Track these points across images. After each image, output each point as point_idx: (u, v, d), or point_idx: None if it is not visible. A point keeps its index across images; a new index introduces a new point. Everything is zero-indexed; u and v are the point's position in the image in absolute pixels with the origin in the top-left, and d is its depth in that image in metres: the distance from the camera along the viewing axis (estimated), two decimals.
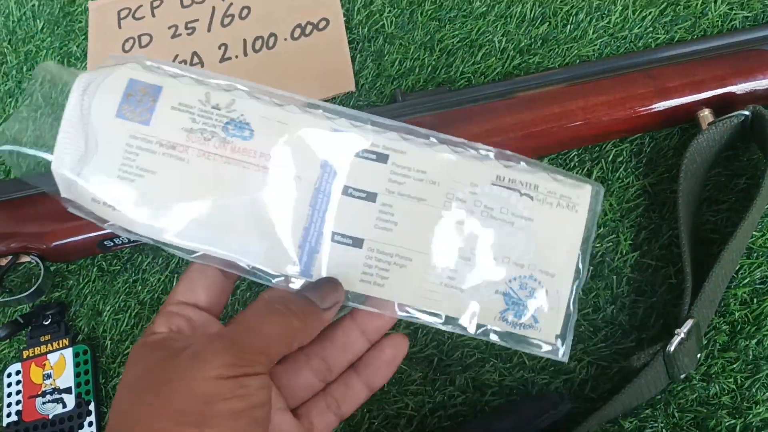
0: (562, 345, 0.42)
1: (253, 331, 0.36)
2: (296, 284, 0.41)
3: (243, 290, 0.60)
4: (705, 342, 0.50)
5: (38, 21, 0.80)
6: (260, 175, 0.41)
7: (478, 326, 0.42)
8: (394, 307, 0.42)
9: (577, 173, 0.58)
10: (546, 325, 0.42)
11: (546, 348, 0.43)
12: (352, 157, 0.42)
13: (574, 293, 0.43)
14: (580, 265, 0.43)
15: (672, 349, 0.46)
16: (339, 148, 0.42)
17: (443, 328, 0.43)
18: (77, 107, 0.41)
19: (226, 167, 0.41)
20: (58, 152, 0.41)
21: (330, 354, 0.43)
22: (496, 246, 0.43)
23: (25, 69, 0.77)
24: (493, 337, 0.43)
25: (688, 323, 0.47)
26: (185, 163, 0.41)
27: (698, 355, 0.49)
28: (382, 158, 0.42)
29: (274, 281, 0.42)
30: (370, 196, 0.42)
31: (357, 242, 0.42)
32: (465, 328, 0.42)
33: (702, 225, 0.54)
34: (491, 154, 0.43)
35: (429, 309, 0.42)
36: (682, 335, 0.46)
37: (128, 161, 0.41)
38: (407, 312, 0.43)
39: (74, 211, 0.42)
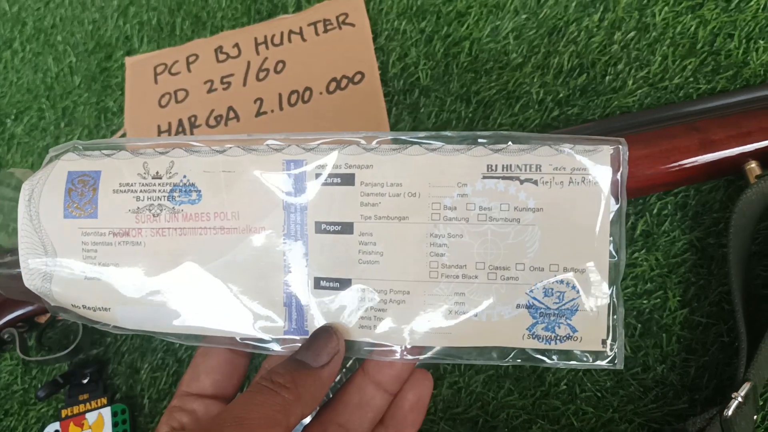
0: (612, 350, 0.35)
1: (238, 421, 0.31)
2: (297, 345, 0.37)
3: None
4: (762, 403, 0.49)
5: (75, 77, 0.81)
6: (221, 237, 0.37)
7: (505, 352, 0.36)
8: (404, 354, 0.37)
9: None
10: (587, 332, 0.35)
11: (593, 359, 0.36)
12: (315, 187, 0.37)
13: (615, 287, 0.35)
14: (615, 251, 0.35)
15: (729, 413, 0.45)
16: (297, 182, 0.37)
17: (462, 362, 0.37)
18: (27, 217, 0.38)
19: (182, 239, 0.37)
20: (24, 268, 0.39)
21: (347, 418, 0.38)
22: (503, 253, 0.36)
23: (62, 125, 0.78)
24: (526, 359, 0.36)
25: (746, 386, 0.45)
26: (142, 247, 0.38)
27: (755, 417, 0.48)
28: (347, 180, 0.36)
29: (270, 348, 0.38)
30: (346, 227, 0.37)
31: (344, 283, 0.37)
32: (491, 357, 0.36)
33: (753, 280, 0.53)
34: (478, 142, 0.36)
35: (442, 344, 0.37)
36: (740, 399, 0.45)
37: (89, 260, 0.38)
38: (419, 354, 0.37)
39: (66, 317, 0.40)
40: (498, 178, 0.35)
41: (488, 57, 0.67)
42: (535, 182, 0.35)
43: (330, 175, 0.36)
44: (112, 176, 0.38)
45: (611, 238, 0.35)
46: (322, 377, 0.34)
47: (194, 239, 0.37)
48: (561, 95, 0.63)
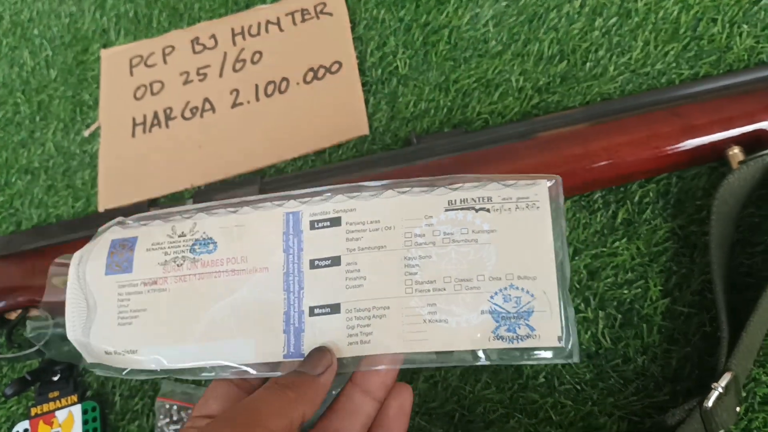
0: (568, 345, 0.39)
1: (248, 409, 0.37)
2: (293, 367, 0.41)
3: None
4: (744, 395, 0.47)
5: (52, 70, 0.80)
6: (232, 278, 0.43)
7: (475, 353, 0.40)
8: (387, 359, 0.41)
9: (601, 215, 0.55)
10: (544, 330, 0.40)
11: (551, 354, 0.40)
12: (309, 232, 0.44)
13: (563, 290, 0.40)
14: (560, 260, 0.41)
15: (710, 404, 0.43)
16: (295, 229, 0.44)
17: (439, 365, 0.42)
18: (75, 278, 0.45)
19: (200, 282, 0.43)
20: (69, 320, 0.45)
21: (340, 425, 0.41)
22: (466, 267, 0.41)
23: (38, 119, 0.77)
24: (495, 359, 0.40)
25: (726, 377, 0.44)
26: (167, 293, 0.44)
27: (737, 409, 0.46)
28: (335, 222, 0.44)
29: (270, 373, 0.42)
30: (335, 261, 0.43)
31: (335, 308, 0.42)
32: (462, 359, 0.41)
33: (736, 269, 0.51)
34: (438, 183, 0.44)
35: (419, 350, 0.41)
36: (720, 390, 0.43)
37: (123, 308, 0.44)
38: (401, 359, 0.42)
39: (101, 373, 0.45)
40: (457, 209, 0.42)
41: (467, 45, 0.66)
42: (488, 210, 0.42)
43: (321, 221, 0.44)
44: (146, 239, 0.45)
45: (555, 250, 0.41)
46: (318, 382, 0.39)
47: (210, 281, 0.43)
48: (541, 82, 0.62)
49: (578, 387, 0.51)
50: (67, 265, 0.45)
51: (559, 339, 0.39)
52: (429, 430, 0.52)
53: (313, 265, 0.43)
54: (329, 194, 0.45)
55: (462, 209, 0.42)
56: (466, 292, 0.41)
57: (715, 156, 0.53)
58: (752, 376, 0.48)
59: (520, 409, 0.51)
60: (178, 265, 0.44)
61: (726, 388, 0.44)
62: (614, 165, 0.54)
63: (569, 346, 0.39)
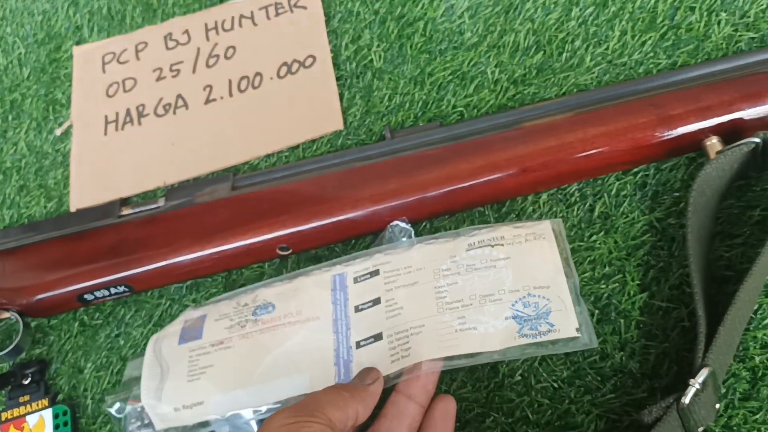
0: (585, 333, 0.46)
1: (311, 399, 0.43)
2: None
3: None
4: (724, 391, 0.46)
5: (24, 69, 0.78)
6: (288, 329, 0.51)
7: (502, 351, 0.47)
8: (426, 365, 0.47)
9: (578, 208, 0.55)
10: (563, 324, 0.47)
11: (572, 343, 0.46)
12: (353, 286, 0.52)
13: (574, 291, 0.48)
14: (568, 269, 0.49)
15: (687, 401, 0.42)
16: (341, 285, 0.52)
17: (474, 363, 0.47)
18: (152, 352, 0.53)
19: (261, 336, 0.51)
20: (144, 386, 0.51)
21: (388, 426, 0.46)
22: (488, 286, 0.49)
23: (10, 118, 0.76)
24: (526, 351, 0.47)
25: (704, 372, 0.43)
26: (232, 350, 0.51)
27: (717, 406, 0.45)
28: (374, 273, 0.52)
29: None
30: (376, 302, 0.51)
31: (378, 337, 0.49)
32: (492, 355, 0.47)
33: (715, 261, 0.50)
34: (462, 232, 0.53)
35: (453, 353, 0.47)
36: (697, 386, 0.42)
37: (192, 366, 0.51)
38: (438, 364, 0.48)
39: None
40: (476, 248, 0.51)
41: (443, 37, 0.65)
42: (502, 245, 0.51)
43: (362, 276, 0.53)
44: (214, 313, 0.54)
45: (563, 264, 0.49)
46: (369, 389, 0.45)
47: (269, 333, 0.51)
48: (517, 74, 0.61)
49: (555, 385, 0.50)
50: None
51: (577, 330, 0.46)
52: None
53: (357, 309, 0.51)
54: (376, 254, 0.53)
55: (480, 247, 0.51)
56: (490, 304, 0.48)
57: (693, 147, 0.53)
58: (731, 371, 0.47)
59: (496, 408, 0.50)
60: (241, 327, 0.52)
61: (703, 384, 0.42)
62: (590, 157, 0.53)
63: (586, 335, 0.46)
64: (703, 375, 0.43)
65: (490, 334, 0.47)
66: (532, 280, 0.49)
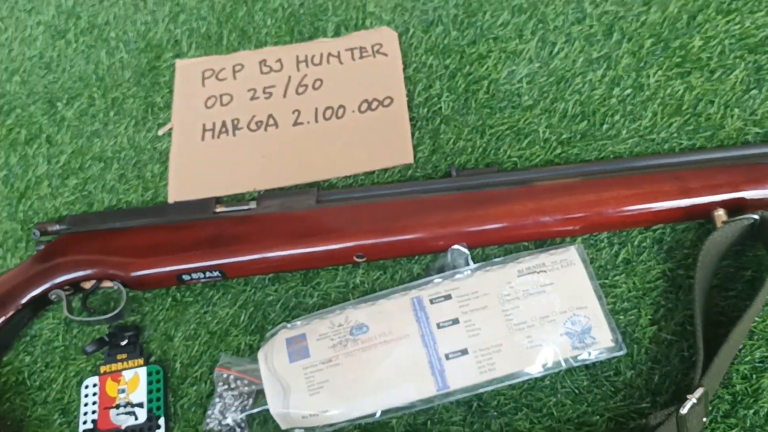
0: (617, 343, 0.61)
1: None
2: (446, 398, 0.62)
3: None
4: (710, 409, 0.59)
5: (126, 71, 0.89)
6: (385, 346, 0.62)
7: (564, 361, 0.60)
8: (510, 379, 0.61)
9: (606, 252, 0.67)
10: (601, 337, 0.61)
11: (609, 351, 0.61)
12: (430, 306, 0.64)
13: (604, 309, 0.62)
14: (598, 290, 0.63)
15: (685, 411, 0.55)
16: (420, 306, 0.64)
17: (545, 373, 0.61)
18: (266, 371, 0.63)
19: (363, 354, 0.62)
20: (270, 400, 0.62)
21: None
22: (543, 309, 0.63)
23: (111, 114, 0.86)
24: (579, 359, 0.61)
25: (699, 391, 0.55)
26: (341, 366, 0.62)
27: (704, 419, 0.58)
28: (447, 297, 0.64)
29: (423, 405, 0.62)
30: (454, 321, 0.63)
31: (464, 351, 0.61)
32: (559, 364, 0.61)
33: (712, 308, 0.63)
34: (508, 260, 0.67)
35: (527, 369, 0.61)
36: (694, 400, 0.55)
37: (310, 382, 0.62)
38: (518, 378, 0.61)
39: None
40: (526, 274, 0.64)
41: (503, 96, 0.77)
42: (544, 271, 0.64)
43: (437, 298, 0.64)
44: (313, 333, 0.65)
45: (592, 287, 0.63)
46: None
47: (370, 351, 0.62)
48: (564, 136, 0.74)
49: (576, 391, 0.62)
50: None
51: (612, 341, 0.61)
52: (450, 416, 0.63)
53: (439, 326, 0.63)
54: (439, 280, 0.65)
55: (527, 273, 0.64)
56: (548, 324, 0.62)
57: (703, 215, 0.65)
58: (717, 394, 0.60)
59: (527, 404, 0.62)
60: (343, 346, 0.63)
61: (699, 399, 0.55)
62: (620, 213, 0.66)
63: (618, 343, 0.61)
64: (698, 393, 0.55)
65: (552, 349, 0.60)
66: (574, 302, 0.62)
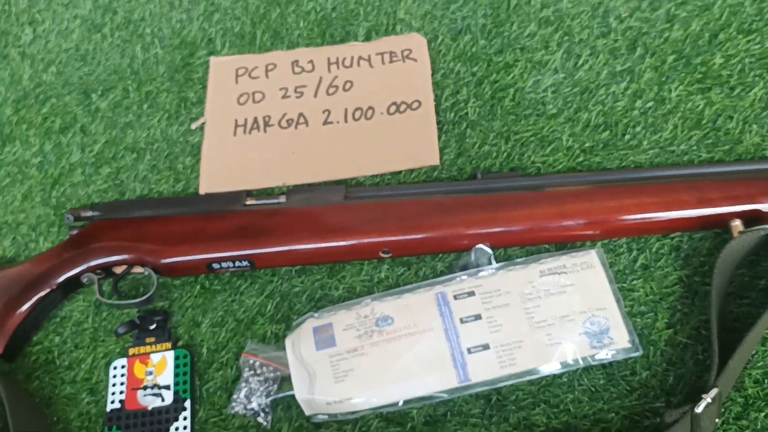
0: (634, 344, 0.63)
1: None
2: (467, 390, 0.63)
3: None
4: (723, 410, 0.61)
5: (160, 67, 0.92)
6: (410, 338, 0.65)
7: (582, 359, 0.63)
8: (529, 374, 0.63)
9: (624, 257, 0.70)
10: (619, 338, 0.63)
11: (626, 352, 0.63)
12: (454, 302, 0.66)
13: (622, 311, 0.64)
14: (616, 293, 0.65)
15: (699, 410, 0.57)
16: (444, 301, 0.66)
17: (563, 371, 0.63)
18: (294, 358, 0.66)
19: (388, 345, 0.65)
20: (296, 385, 0.65)
21: None
22: (563, 308, 0.65)
23: (145, 107, 0.89)
24: (597, 358, 0.63)
25: (714, 391, 0.57)
26: (366, 356, 0.65)
27: (717, 420, 0.60)
28: (471, 294, 0.66)
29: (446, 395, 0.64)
30: (477, 317, 0.65)
31: (485, 347, 0.64)
32: (577, 362, 0.63)
33: (726, 314, 0.65)
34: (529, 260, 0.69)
35: (550, 363, 0.63)
36: (709, 400, 0.57)
37: (336, 370, 0.64)
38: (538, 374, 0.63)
39: (316, 419, 0.65)
40: (547, 275, 0.66)
41: (528, 104, 0.80)
42: (566, 273, 0.66)
43: (460, 294, 0.66)
44: (340, 323, 0.67)
45: (611, 289, 0.65)
46: None
47: (395, 343, 0.65)
48: (586, 145, 0.76)
49: (593, 389, 0.64)
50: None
51: (629, 342, 0.63)
52: (469, 408, 0.65)
53: (462, 321, 0.65)
54: (463, 277, 0.67)
55: (549, 274, 0.66)
56: (568, 323, 0.64)
57: (720, 225, 0.68)
58: (730, 397, 0.62)
59: (545, 400, 0.64)
60: (369, 336, 0.65)
61: (713, 399, 0.57)
62: (641, 219, 0.68)
63: (635, 344, 0.63)
64: (713, 393, 0.58)
65: (571, 347, 0.63)
66: (593, 303, 0.64)
